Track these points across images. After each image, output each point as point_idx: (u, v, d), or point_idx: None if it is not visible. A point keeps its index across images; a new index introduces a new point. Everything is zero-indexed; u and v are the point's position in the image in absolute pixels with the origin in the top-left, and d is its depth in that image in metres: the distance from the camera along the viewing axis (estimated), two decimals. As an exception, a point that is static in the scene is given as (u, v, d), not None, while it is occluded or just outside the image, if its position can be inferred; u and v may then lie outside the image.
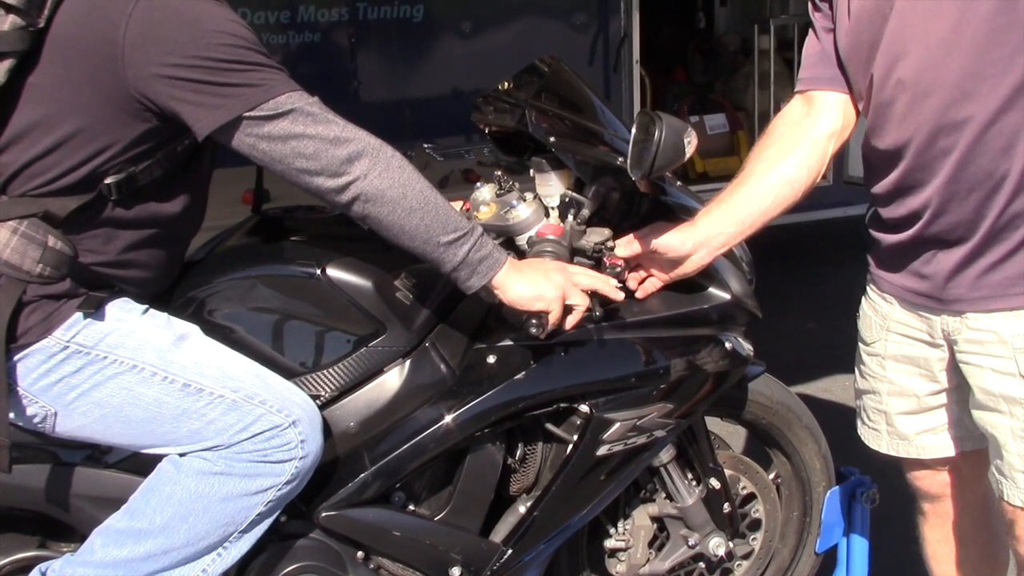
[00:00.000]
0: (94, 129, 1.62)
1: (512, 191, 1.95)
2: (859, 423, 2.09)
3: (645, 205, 2.00)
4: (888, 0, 1.68)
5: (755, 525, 2.36)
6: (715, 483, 2.18)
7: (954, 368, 1.84)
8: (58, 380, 1.69)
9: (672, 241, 1.88)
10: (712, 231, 1.88)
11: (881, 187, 1.82)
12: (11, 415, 1.68)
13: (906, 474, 2.09)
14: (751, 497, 2.34)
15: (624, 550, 2.20)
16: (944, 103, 1.65)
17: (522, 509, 2.01)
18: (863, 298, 2.01)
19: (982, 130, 1.63)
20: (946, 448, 1.96)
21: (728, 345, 2.04)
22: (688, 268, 1.92)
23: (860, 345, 2.03)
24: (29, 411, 1.71)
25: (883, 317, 1.94)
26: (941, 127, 1.66)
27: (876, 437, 2.04)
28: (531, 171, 2.02)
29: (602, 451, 1.94)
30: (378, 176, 1.63)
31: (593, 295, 1.81)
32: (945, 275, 1.76)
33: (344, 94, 4.28)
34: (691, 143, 1.73)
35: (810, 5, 1.89)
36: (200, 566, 1.77)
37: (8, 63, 1.57)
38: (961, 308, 1.76)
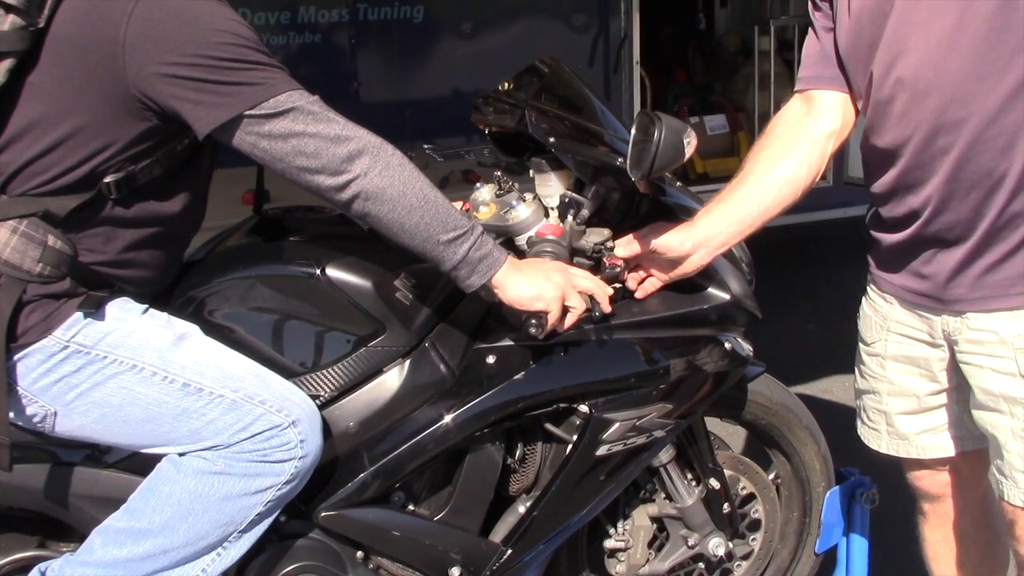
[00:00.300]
0: (94, 128, 1.62)
1: (512, 191, 1.95)
2: (859, 423, 2.09)
3: (645, 205, 2.00)
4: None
5: (755, 525, 2.36)
6: (715, 483, 2.19)
7: (954, 368, 1.84)
8: (58, 380, 1.69)
9: (671, 241, 1.88)
10: (711, 231, 1.88)
11: (880, 186, 1.82)
12: (11, 414, 1.68)
13: (906, 474, 2.09)
14: (751, 497, 2.35)
15: (624, 550, 2.20)
16: (943, 102, 1.65)
17: (522, 509, 2.01)
18: (863, 298, 2.01)
19: (981, 129, 1.63)
20: (946, 448, 1.96)
21: (728, 345, 2.04)
22: (688, 268, 1.92)
23: (860, 345, 2.03)
24: (29, 411, 1.71)
25: (883, 317, 1.94)
26: (940, 126, 1.66)
27: (876, 437, 2.04)
28: (531, 171, 2.02)
29: (601, 451, 1.94)
30: (378, 174, 1.64)
31: (592, 296, 1.81)
32: (945, 275, 1.76)
33: (344, 95, 4.28)
34: (690, 144, 1.73)
35: (810, 4, 1.89)
36: (200, 566, 1.78)
37: (8, 63, 1.57)
38: (961, 308, 1.76)
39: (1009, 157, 1.64)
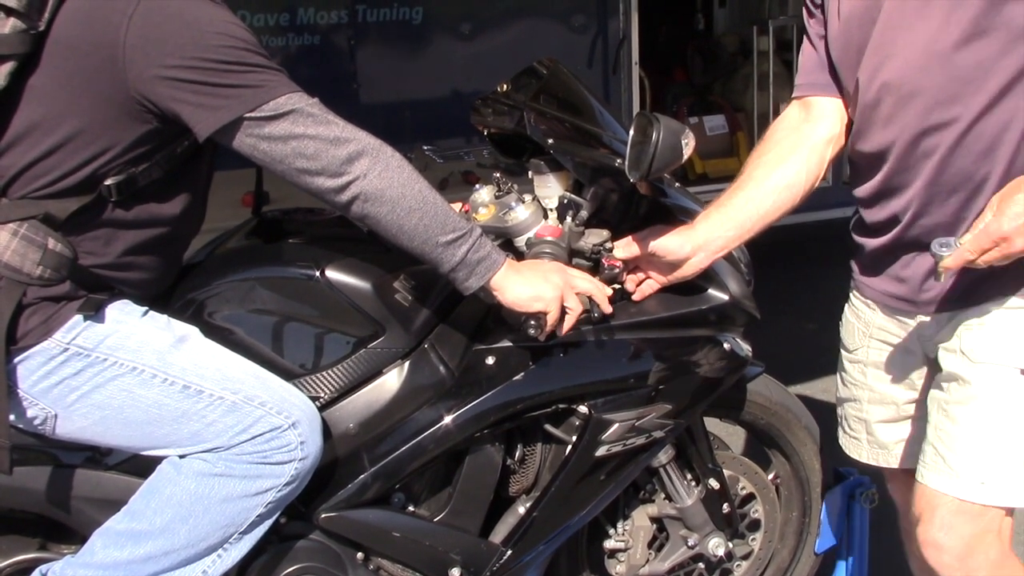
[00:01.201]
0: (95, 131, 1.62)
1: (511, 193, 1.96)
2: (840, 432, 2.08)
3: (644, 206, 2.00)
4: (877, 2, 1.68)
5: (754, 525, 2.37)
6: (714, 483, 2.19)
7: (930, 375, 1.84)
8: (58, 382, 1.69)
9: (670, 244, 1.88)
10: (711, 235, 1.88)
11: (864, 190, 1.82)
12: (11, 417, 1.69)
13: (887, 486, 2.08)
14: (750, 497, 2.35)
15: (623, 551, 2.21)
16: (928, 105, 1.65)
17: (521, 510, 2.01)
18: (847, 305, 2.00)
19: (964, 132, 1.63)
20: None
21: (726, 346, 2.04)
22: (686, 271, 1.92)
23: (842, 352, 2.02)
24: (29, 413, 1.71)
25: (865, 324, 1.93)
26: (924, 129, 1.66)
27: (856, 446, 2.03)
28: (530, 173, 2.02)
29: (601, 452, 1.94)
30: (378, 176, 1.64)
31: (590, 298, 1.82)
32: (921, 278, 1.76)
33: (344, 96, 4.28)
34: (688, 144, 1.74)
35: (804, 11, 1.89)
36: (200, 567, 1.78)
37: (9, 66, 1.58)
38: (941, 310, 1.75)
39: (990, 161, 1.63)
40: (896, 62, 1.67)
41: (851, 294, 1.99)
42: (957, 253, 1.53)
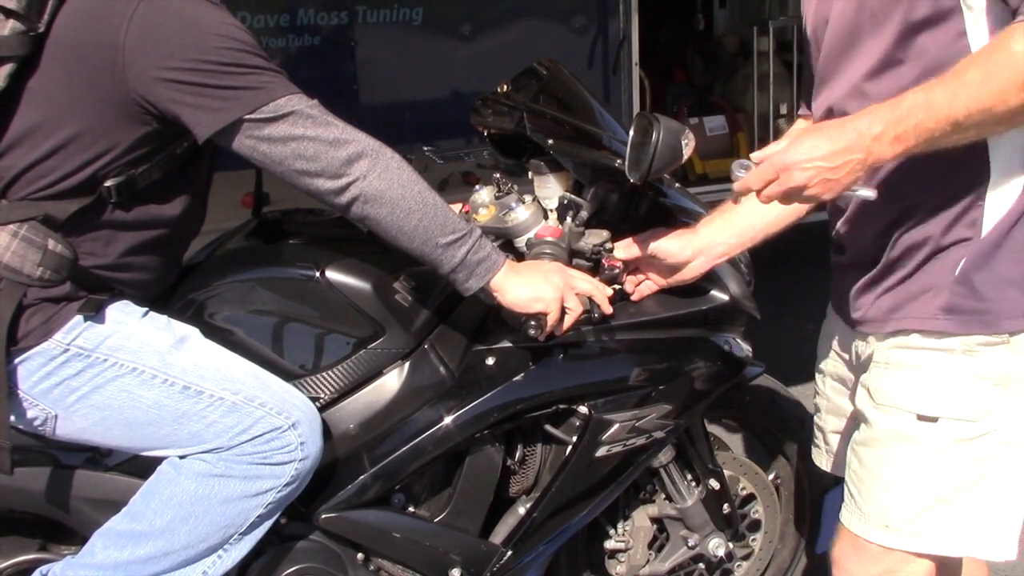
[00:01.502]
0: (94, 132, 1.63)
1: (511, 193, 1.96)
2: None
3: (644, 207, 2.00)
4: (823, 29, 1.68)
5: (755, 526, 2.37)
6: (714, 484, 2.19)
7: None
8: (59, 383, 1.69)
9: (671, 247, 1.88)
10: (713, 240, 1.88)
11: (830, 209, 1.83)
12: (12, 418, 1.69)
13: None
14: (751, 498, 2.35)
15: (624, 551, 2.21)
16: None
17: (522, 510, 2.01)
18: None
19: None
20: None
21: (726, 346, 2.05)
22: (686, 275, 1.92)
23: (816, 363, 2.03)
24: (30, 414, 1.71)
25: (828, 336, 1.93)
26: None
27: (818, 454, 2.02)
28: (530, 173, 2.02)
29: (601, 452, 1.94)
30: (377, 177, 1.64)
31: (590, 298, 1.82)
32: (853, 296, 1.75)
33: (343, 97, 4.28)
34: (688, 145, 1.73)
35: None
36: (200, 568, 1.78)
37: (8, 67, 1.58)
38: (865, 330, 1.74)
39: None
40: (831, 89, 1.67)
41: (828, 308, 1.99)
42: (744, 180, 1.53)
